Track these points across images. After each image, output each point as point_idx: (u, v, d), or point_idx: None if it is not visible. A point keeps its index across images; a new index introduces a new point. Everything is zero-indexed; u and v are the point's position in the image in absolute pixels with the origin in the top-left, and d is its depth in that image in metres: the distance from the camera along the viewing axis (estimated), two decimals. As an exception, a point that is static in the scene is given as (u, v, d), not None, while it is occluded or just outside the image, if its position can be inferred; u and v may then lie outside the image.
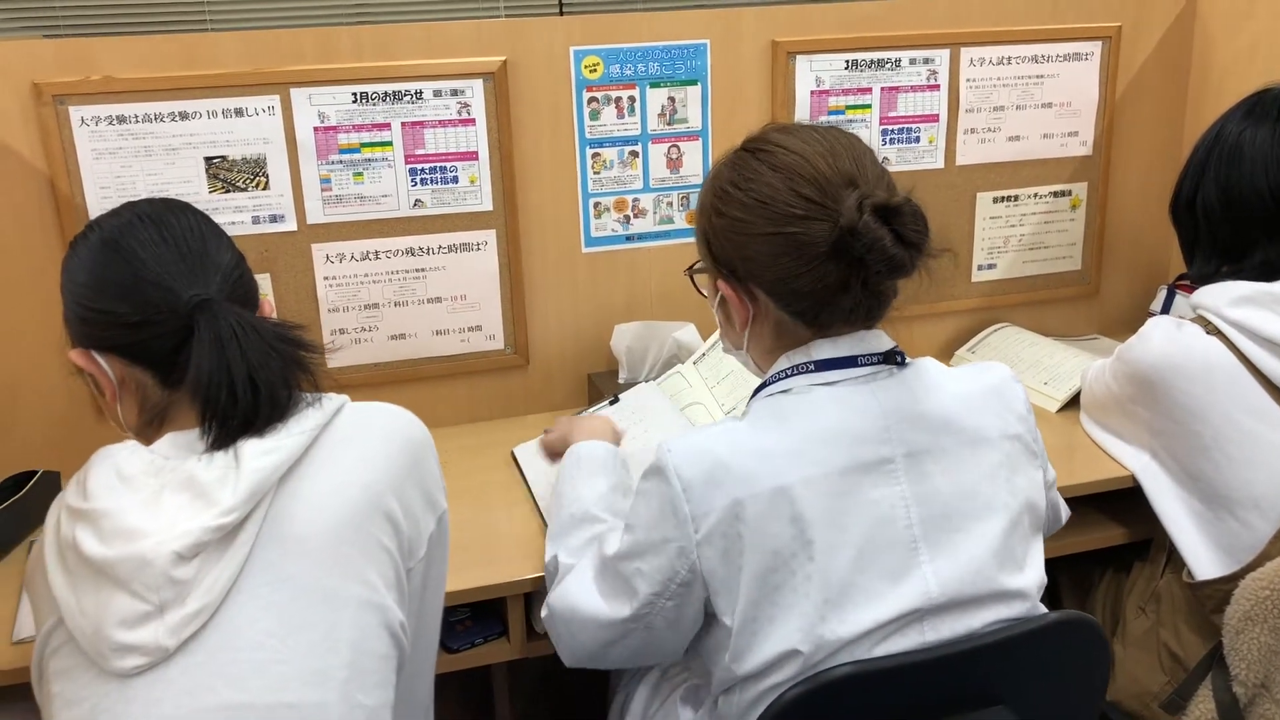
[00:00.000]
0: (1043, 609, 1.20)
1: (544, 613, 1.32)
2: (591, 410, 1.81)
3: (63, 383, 1.74)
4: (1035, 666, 1.16)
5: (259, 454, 1.03)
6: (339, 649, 1.02)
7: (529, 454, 1.75)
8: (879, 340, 1.20)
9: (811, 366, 1.18)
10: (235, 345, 1.04)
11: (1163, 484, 1.61)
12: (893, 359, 1.19)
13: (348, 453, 1.09)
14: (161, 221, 1.11)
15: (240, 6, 2.98)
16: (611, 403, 1.81)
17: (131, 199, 1.61)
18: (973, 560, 1.14)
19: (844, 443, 1.13)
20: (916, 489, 1.14)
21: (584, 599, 1.23)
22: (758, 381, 1.23)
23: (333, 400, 1.12)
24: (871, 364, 1.18)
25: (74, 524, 1.01)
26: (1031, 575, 1.19)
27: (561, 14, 3.31)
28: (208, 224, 1.15)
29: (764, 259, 1.15)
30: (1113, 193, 2.21)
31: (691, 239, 1.96)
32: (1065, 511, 1.40)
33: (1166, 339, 1.56)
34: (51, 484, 1.66)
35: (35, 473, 1.63)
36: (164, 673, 0.97)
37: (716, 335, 1.90)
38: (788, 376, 1.19)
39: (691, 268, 1.33)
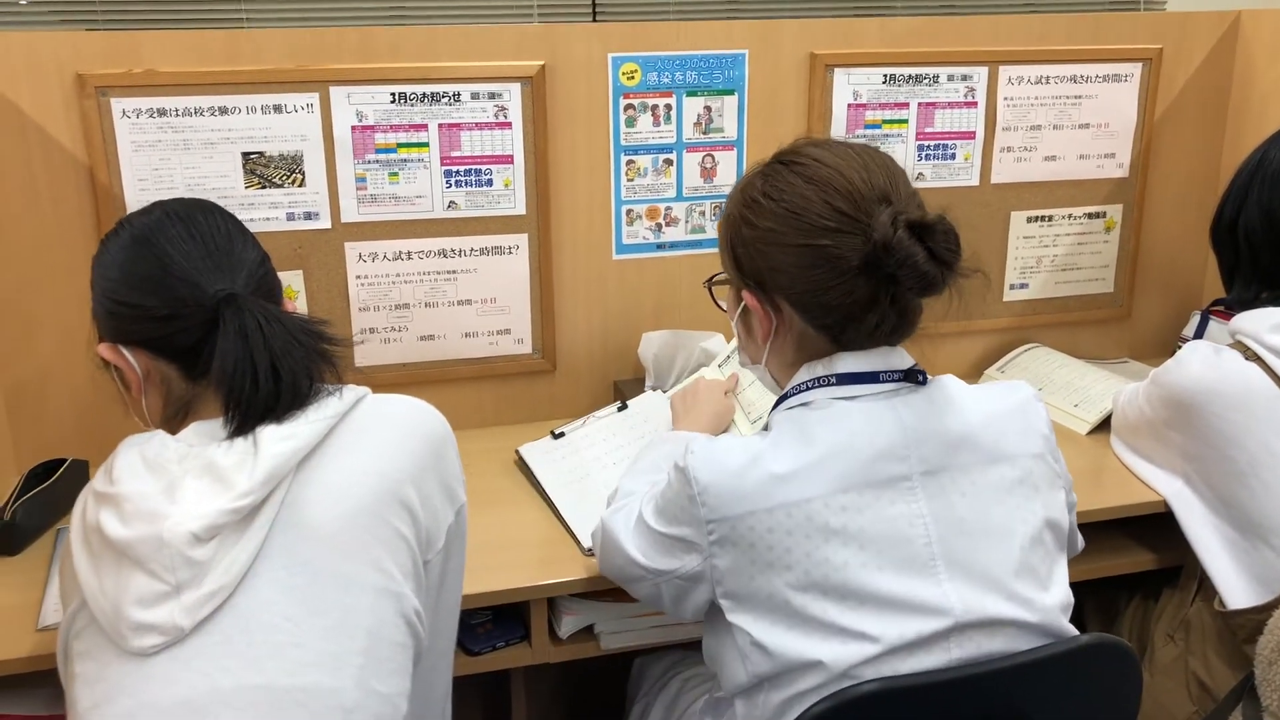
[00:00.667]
0: (1072, 630, 1.18)
1: (595, 526, 1.38)
2: (606, 413, 1.80)
3: (93, 372, 1.74)
4: (1065, 689, 1.15)
5: (277, 440, 1.04)
6: (355, 635, 1.03)
7: (536, 453, 1.74)
8: (900, 358, 1.19)
9: (833, 379, 1.17)
10: (260, 335, 1.06)
11: (1195, 510, 1.59)
12: (913, 377, 1.18)
13: (367, 441, 1.10)
14: (190, 220, 1.14)
15: (277, 4, 3.00)
16: (620, 409, 1.81)
17: (165, 194, 1.66)
18: (993, 579, 1.13)
19: (863, 459, 1.12)
20: (934, 506, 1.13)
21: (622, 533, 1.26)
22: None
23: (353, 391, 1.12)
24: (893, 380, 1.17)
25: (99, 507, 1.03)
26: (1057, 594, 1.18)
27: (595, 19, 3.32)
28: (234, 223, 1.17)
29: (793, 271, 1.15)
30: (1148, 216, 2.19)
31: (722, 249, 1.97)
32: (1080, 541, 1.38)
33: (1204, 363, 1.54)
34: (80, 472, 1.67)
35: (64, 461, 1.64)
36: (180, 652, 0.98)
37: (733, 344, 1.90)
38: (809, 389, 1.18)
39: (712, 279, 1.32)
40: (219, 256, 1.10)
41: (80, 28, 2.84)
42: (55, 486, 1.59)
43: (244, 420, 1.05)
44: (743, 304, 1.24)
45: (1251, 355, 1.52)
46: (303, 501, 1.04)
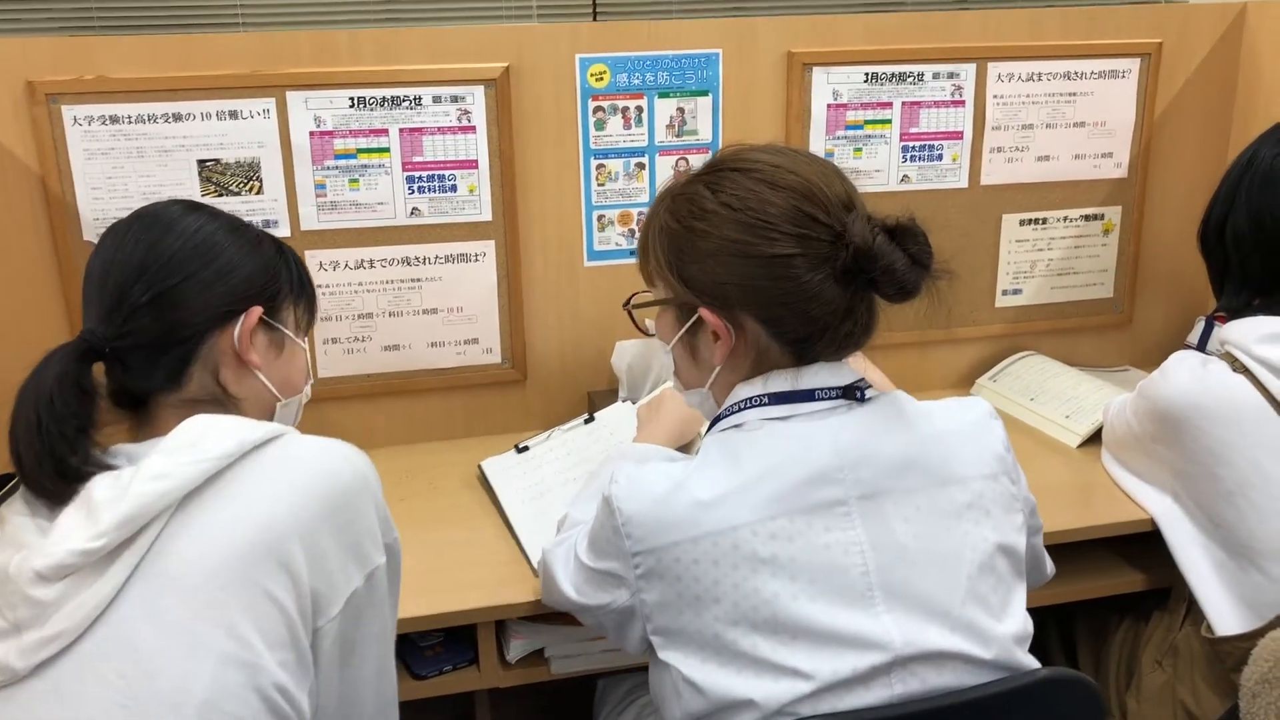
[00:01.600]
0: (1029, 662, 1.11)
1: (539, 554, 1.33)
2: (572, 426, 1.75)
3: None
4: (1023, 727, 1.08)
5: (147, 478, 0.95)
6: (185, 706, 0.91)
7: (499, 469, 1.69)
8: (840, 373, 1.12)
9: (765, 399, 1.11)
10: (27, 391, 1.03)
11: (1184, 530, 1.51)
12: (852, 394, 1.11)
13: (255, 488, 0.98)
14: (116, 234, 1.12)
15: (266, 5, 2.98)
16: (587, 421, 1.75)
17: (119, 203, 1.63)
18: (937, 609, 1.06)
19: (793, 482, 1.06)
20: (873, 533, 1.06)
21: (559, 567, 1.22)
22: None
23: (257, 430, 1.01)
24: (829, 398, 1.10)
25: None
26: (1011, 625, 1.10)
27: (595, 19, 3.27)
28: (154, 236, 1.10)
29: (764, 284, 1.08)
30: (1149, 217, 2.10)
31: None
32: (1050, 567, 1.30)
33: (1191, 375, 1.47)
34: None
35: (11, 476, 1.61)
36: (15, 694, 0.92)
37: (661, 390, 1.83)
38: (740, 410, 1.12)
39: (631, 300, 1.24)
40: (91, 287, 1.07)
41: (35, 33, 2.82)
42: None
43: (22, 476, 0.99)
44: (687, 326, 1.15)
45: (1240, 367, 1.43)
46: (170, 549, 0.95)
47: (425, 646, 1.46)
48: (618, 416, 1.75)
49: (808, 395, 1.11)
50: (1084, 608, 1.73)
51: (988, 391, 2.03)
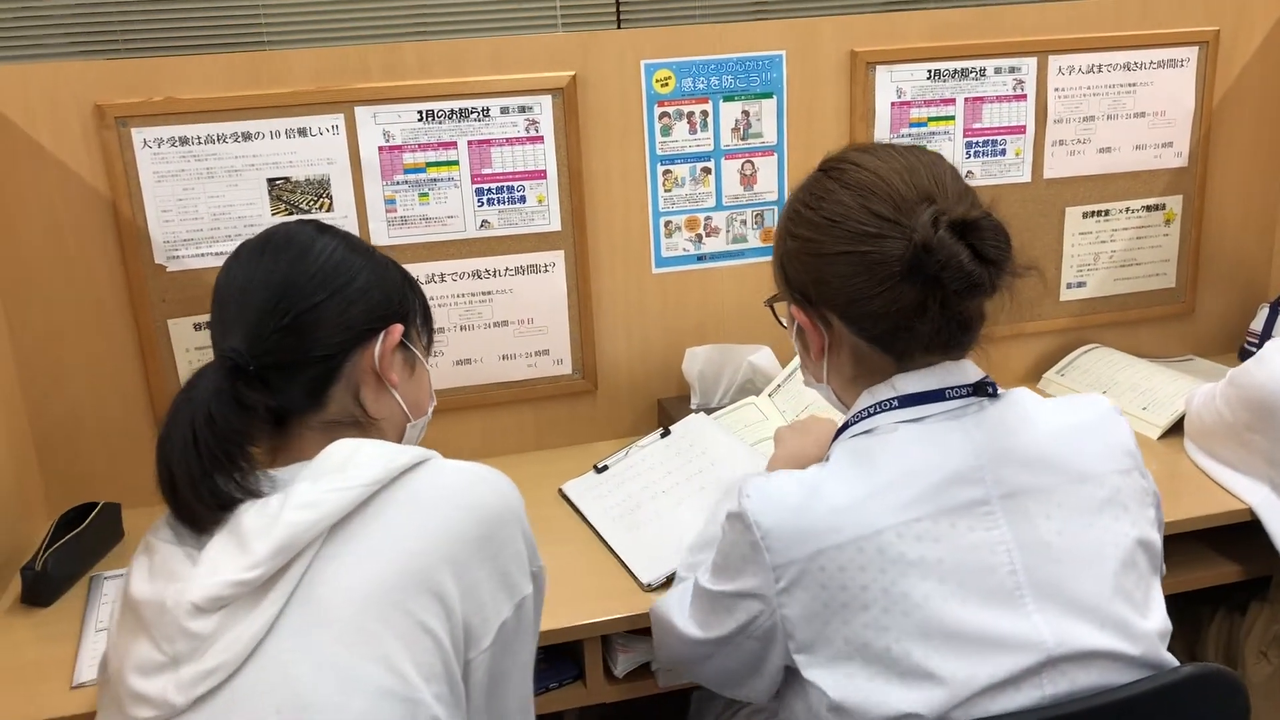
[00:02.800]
0: (1172, 659, 1.09)
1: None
2: (649, 442, 1.72)
3: (124, 411, 1.70)
4: (1172, 725, 1.06)
5: (297, 506, 0.93)
6: None
7: (580, 490, 1.67)
8: (966, 371, 1.11)
9: (895, 403, 1.09)
10: (183, 412, 1.00)
11: (1285, 519, 1.50)
12: (983, 390, 1.10)
13: (405, 517, 0.96)
14: (248, 256, 1.11)
15: (298, 23, 2.97)
16: (663, 435, 1.73)
17: (190, 225, 1.61)
18: (1087, 606, 1.04)
19: (936, 485, 1.04)
20: (1018, 532, 1.05)
21: (675, 613, 1.19)
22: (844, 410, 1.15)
23: (405, 455, 0.99)
24: (960, 396, 1.09)
25: (139, 556, 0.98)
26: (1155, 620, 1.09)
27: (619, 26, 3.26)
28: (292, 262, 1.09)
29: (836, 281, 1.08)
30: (1209, 206, 2.09)
31: (765, 258, 1.89)
32: (1162, 566, 1.29)
33: None
34: (112, 516, 1.62)
35: (95, 505, 1.59)
36: None
37: (792, 365, 1.82)
38: (871, 415, 1.11)
39: (771, 298, 1.25)
40: (229, 308, 1.05)
41: (98, 57, 2.82)
42: (86, 533, 1.54)
43: (174, 502, 0.96)
44: (796, 324, 1.17)
45: (1340, 352, 1.42)
46: (322, 578, 0.92)
47: (527, 664, 1.44)
48: (694, 427, 1.73)
49: (938, 395, 1.09)
50: (1173, 602, 1.71)
51: (1056, 385, 2.01)
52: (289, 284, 1.04)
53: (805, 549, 1.02)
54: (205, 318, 1.66)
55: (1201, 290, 2.14)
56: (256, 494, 0.96)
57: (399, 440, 1.13)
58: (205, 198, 1.64)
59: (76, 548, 1.51)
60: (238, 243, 1.63)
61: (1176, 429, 1.78)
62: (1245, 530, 1.56)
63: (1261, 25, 2.02)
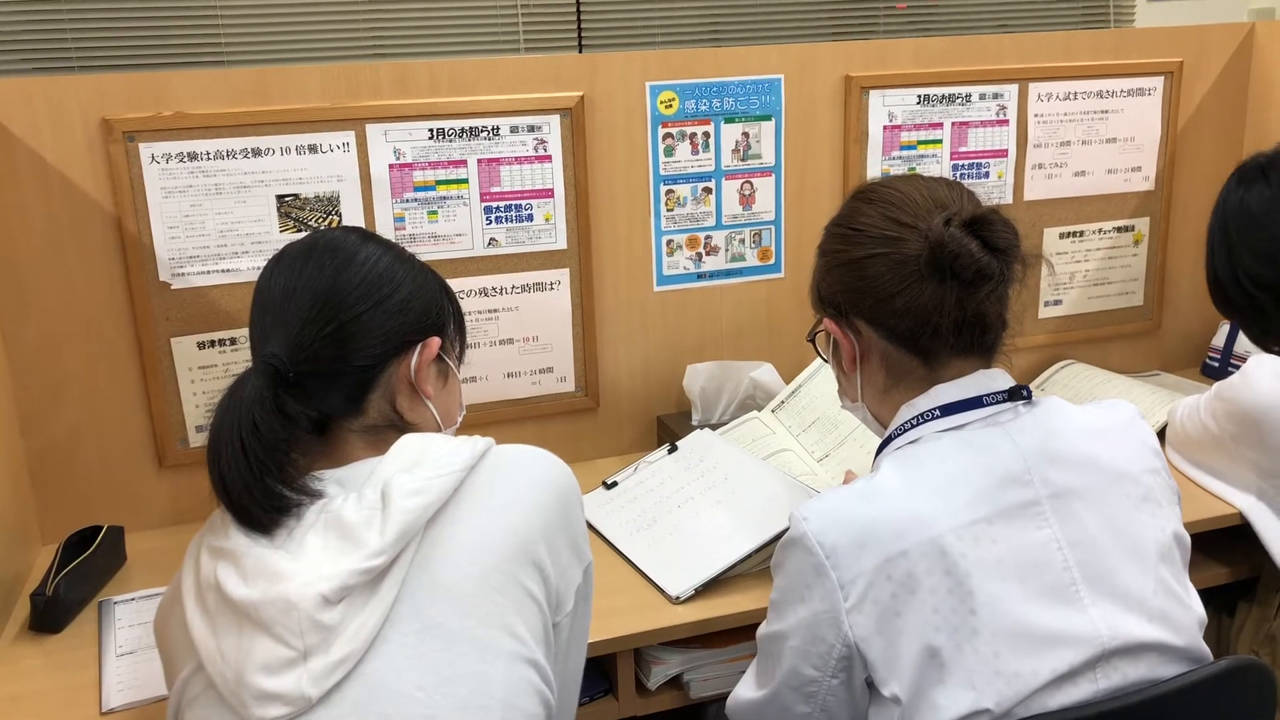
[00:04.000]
0: (1207, 650, 1.15)
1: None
2: (657, 458, 1.74)
3: (126, 434, 1.65)
4: (1209, 714, 1.11)
5: (407, 494, 0.96)
6: (491, 706, 0.95)
7: (592, 507, 1.68)
8: (999, 379, 1.16)
9: (937, 412, 1.14)
10: (230, 417, 1.00)
11: (1274, 525, 1.57)
12: (1018, 396, 1.15)
13: (497, 496, 1.02)
14: (290, 262, 1.10)
15: (258, 41, 2.93)
16: (670, 450, 1.75)
17: (196, 241, 1.59)
18: (1135, 599, 1.09)
19: (987, 488, 1.08)
20: (1067, 530, 1.09)
21: (741, 689, 1.20)
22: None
23: (480, 442, 1.05)
24: (997, 402, 1.14)
25: (215, 562, 0.96)
26: (1196, 610, 1.14)
27: (581, 50, 3.29)
28: (339, 268, 1.10)
29: (862, 284, 1.15)
30: (1174, 227, 2.20)
31: (763, 276, 1.94)
32: None
33: (1275, 377, 1.53)
34: (117, 539, 1.57)
35: (100, 528, 1.54)
36: None
37: (797, 381, 1.86)
38: (914, 426, 1.15)
39: (812, 330, 1.30)
40: (271, 313, 1.05)
41: (105, 71, 2.74)
42: (94, 557, 1.49)
43: (230, 507, 0.97)
44: (831, 340, 1.22)
45: (1319, 366, 1.51)
46: (434, 561, 0.97)
47: (557, 679, 1.44)
48: (702, 443, 1.75)
49: (976, 402, 1.14)
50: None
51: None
52: (333, 292, 1.05)
53: (872, 560, 1.05)
54: (210, 336, 1.66)
55: (1167, 308, 2.24)
56: (312, 494, 0.98)
57: None
58: (213, 214, 1.61)
59: (84, 572, 1.47)
60: (244, 260, 1.62)
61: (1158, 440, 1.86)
62: (1231, 534, 1.64)
63: (1219, 57, 2.14)
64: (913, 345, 1.15)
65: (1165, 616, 1.10)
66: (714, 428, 1.82)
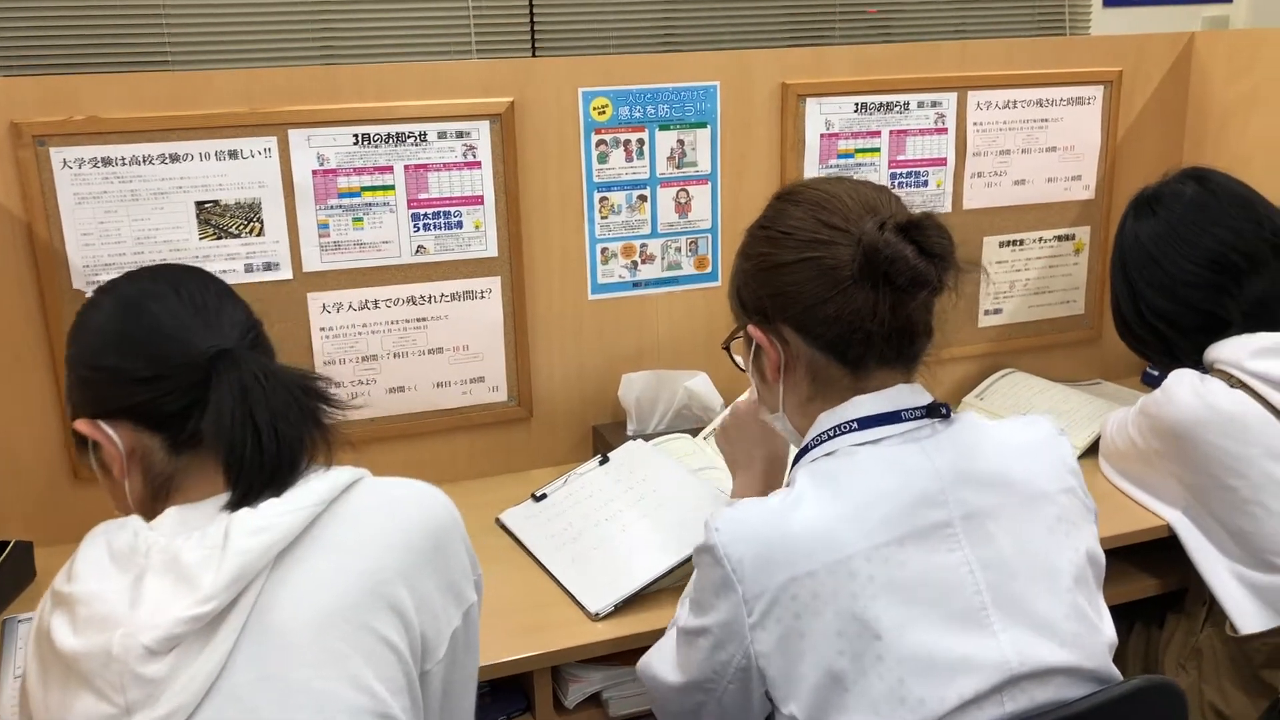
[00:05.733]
0: (1117, 671, 1.13)
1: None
2: (587, 470, 1.72)
3: (37, 446, 1.61)
4: (1120, 736, 1.10)
5: (248, 532, 0.90)
6: None
7: (519, 519, 1.66)
8: (919, 394, 1.14)
9: (855, 425, 1.12)
10: (260, 390, 0.96)
11: (1199, 539, 1.57)
12: (936, 412, 1.13)
13: (353, 533, 0.96)
14: (177, 282, 1.04)
15: (206, 44, 2.88)
16: (602, 462, 1.72)
17: (112, 249, 1.55)
18: (1047, 624, 1.08)
19: (900, 508, 1.06)
20: (980, 552, 1.08)
21: (658, 663, 1.18)
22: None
23: (345, 473, 0.99)
24: (915, 418, 1.12)
25: (53, 610, 0.92)
26: (1107, 633, 1.13)
27: (534, 54, 3.26)
28: (223, 287, 1.08)
29: (790, 290, 1.12)
30: (1114, 236, 2.19)
31: (700, 285, 1.92)
32: None
33: (1192, 392, 1.53)
34: (24, 555, 1.53)
35: (6, 544, 1.50)
36: None
37: (727, 411, 1.82)
38: (830, 438, 1.13)
39: (728, 338, 1.27)
40: (208, 315, 1.01)
41: (14, 74, 2.68)
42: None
43: (249, 487, 0.94)
44: (754, 347, 1.19)
45: (1236, 382, 1.50)
46: (276, 604, 0.90)
47: (475, 697, 1.41)
48: (633, 454, 1.73)
49: (894, 416, 1.12)
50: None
51: (977, 409, 2.08)
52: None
53: (777, 578, 1.03)
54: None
55: (1107, 317, 2.22)
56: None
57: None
58: (129, 221, 1.57)
59: (-13, 589, 1.43)
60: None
61: (1092, 450, 1.86)
62: (1161, 545, 1.63)
63: (1159, 67, 2.14)
64: (841, 354, 1.12)
65: (1076, 641, 1.08)
66: (648, 438, 1.80)
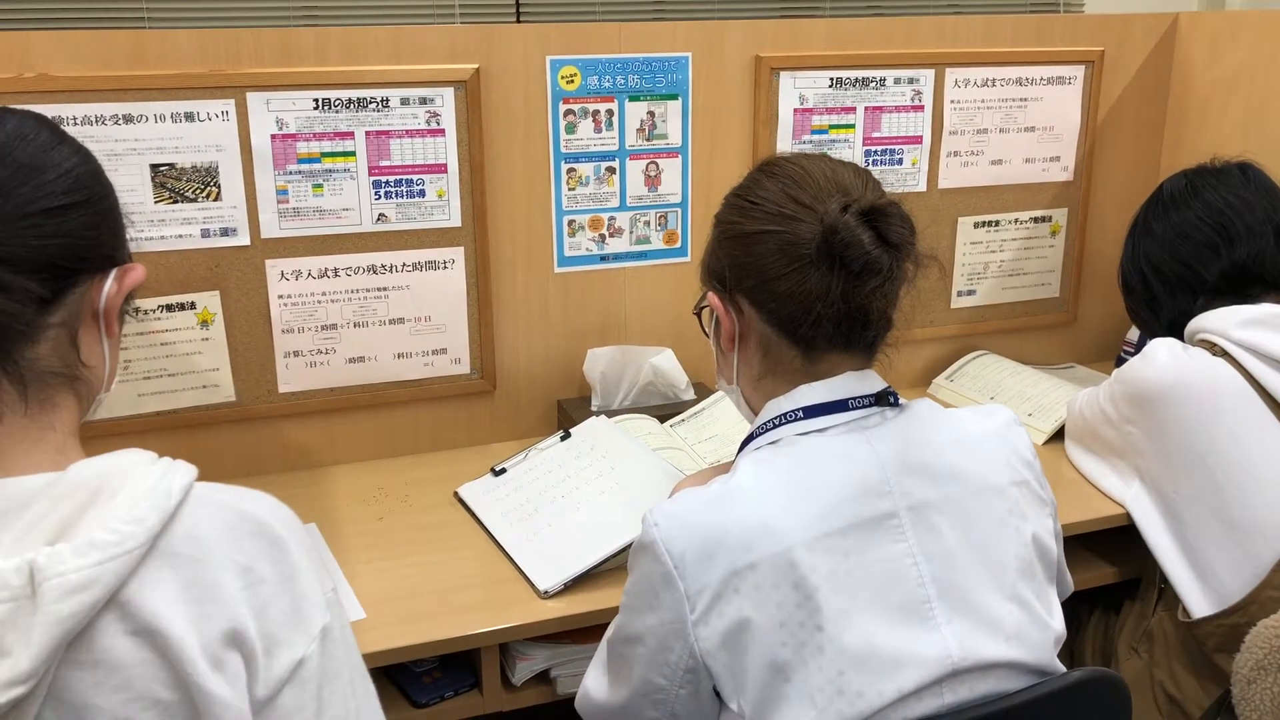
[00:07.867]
0: (1060, 665, 1.13)
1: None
2: (549, 445, 1.70)
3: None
4: (1061, 727, 1.09)
5: (66, 592, 0.72)
6: None
7: (477, 494, 1.64)
8: (869, 381, 1.12)
9: (800, 414, 1.10)
10: None
11: (1153, 515, 1.56)
12: (885, 400, 1.11)
13: (194, 572, 0.79)
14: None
15: (182, 4, 2.82)
16: (563, 438, 1.71)
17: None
18: (991, 618, 1.07)
19: (843, 499, 1.05)
20: (925, 544, 1.06)
21: (594, 688, 1.16)
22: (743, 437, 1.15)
23: (174, 479, 0.80)
24: (862, 407, 1.10)
25: None
26: (1053, 628, 1.12)
27: (519, 20, 3.21)
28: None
29: (749, 261, 1.11)
30: (1092, 219, 2.17)
31: (669, 260, 1.90)
32: (1069, 578, 1.30)
33: (1172, 356, 1.52)
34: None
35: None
36: None
37: (700, 406, 1.81)
38: (776, 426, 1.11)
39: (698, 304, 1.25)
40: None
41: None
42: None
43: None
44: (715, 317, 1.17)
45: (1219, 351, 1.49)
46: (74, 675, 0.74)
47: (422, 672, 1.40)
48: (595, 430, 1.71)
49: (841, 405, 1.10)
50: (1055, 602, 1.77)
51: (946, 391, 2.06)
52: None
53: (719, 571, 1.01)
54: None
55: (1083, 300, 2.23)
56: None
57: (82, 414, 0.90)
58: (81, 182, 1.54)
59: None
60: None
61: (1059, 436, 1.84)
62: (1121, 534, 1.63)
63: (1142, 48, 2.11)
64: (792, 333, 1.10)
65: (1020, 635, 1.07)
66: (612, 414, 1.78)
